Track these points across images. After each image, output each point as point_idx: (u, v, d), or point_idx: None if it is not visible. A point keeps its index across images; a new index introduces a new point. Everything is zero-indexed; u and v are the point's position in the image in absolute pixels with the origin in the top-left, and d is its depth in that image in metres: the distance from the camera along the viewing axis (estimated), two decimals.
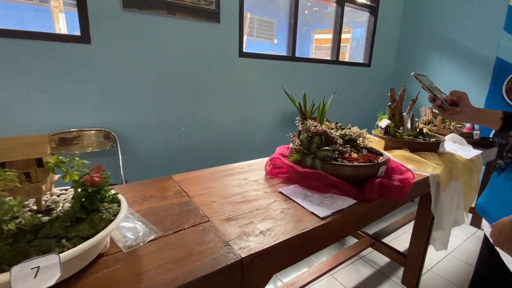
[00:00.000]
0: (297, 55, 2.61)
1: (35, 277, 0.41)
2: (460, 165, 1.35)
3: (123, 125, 1.84)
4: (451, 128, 1.81)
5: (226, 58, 2.17)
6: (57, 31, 1.75)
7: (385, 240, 1.86)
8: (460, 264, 1.89)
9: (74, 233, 0.48)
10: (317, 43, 3.35)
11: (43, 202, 0.61)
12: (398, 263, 1.73)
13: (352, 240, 1.96)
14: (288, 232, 0.69)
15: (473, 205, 1.64)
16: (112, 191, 0.62)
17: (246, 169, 1.14)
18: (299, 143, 1.04)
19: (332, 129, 1.09)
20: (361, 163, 0.95)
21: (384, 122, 1.47)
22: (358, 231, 1.91)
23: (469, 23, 2.75)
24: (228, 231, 0.68)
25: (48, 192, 0.65)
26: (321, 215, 0.77)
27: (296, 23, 2.53)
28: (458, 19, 2.82)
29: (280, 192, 0.92)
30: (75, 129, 1.67)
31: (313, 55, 3.29)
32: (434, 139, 1.45)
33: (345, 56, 3.46)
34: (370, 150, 1.11)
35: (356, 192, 0.90)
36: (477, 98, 2.73)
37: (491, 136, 2.33)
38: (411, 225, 1.62)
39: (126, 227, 0.67)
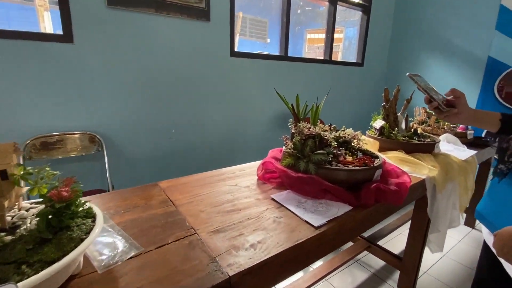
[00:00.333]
0: (290, 54, 2.57)
1: None
2: (456, 166, 1.32)
3: (109, 128, 1.76)
4: (445, 128, 1.79)
5: (217, 58, 2.11)
6: (42, 30, 1.68)
7: (380, 242, 1.83)
8: (456, 266, 1.87)
9: (37, 257, 0.42)
10: (310, 43, 3.32)
11: (9, 218, 0.55)
12: (394, 267, 1.70)
13: (347, 244, 1.93)
14: (281, 244, 0.64)
15: (467, 206, 1.62)
16: (87, 205, 0.57)
17: (237, 174, 1.09)
18: (292, 146, 0.99)
19: (326, 131, 1.05)
20: (357, 167, 0.91)
21: (378, 123, 1.44)
22: None
23: (461, 23, 2.75)
24: (216, 245, 0.63)
25: (16, 207, 0.59)
26: (316, 224, 0.73)
27: (289, 22, 2.49)
28: (450, 18, 2.82)
29: (273, 199, 0.87)
30: (58, 133, 1.59)
31: (306, 54, 3.26)
32: (428, 140, 1.42)
33: (338, 56, 3.44)
34: (365, 153, 1.08)
35: (352, 197, 0.85)
36: (470, 97, 2.70)
37: (483, 135, 2.34)
38: (406, 226, 1.59)
39: (104, 242, 0.62)
